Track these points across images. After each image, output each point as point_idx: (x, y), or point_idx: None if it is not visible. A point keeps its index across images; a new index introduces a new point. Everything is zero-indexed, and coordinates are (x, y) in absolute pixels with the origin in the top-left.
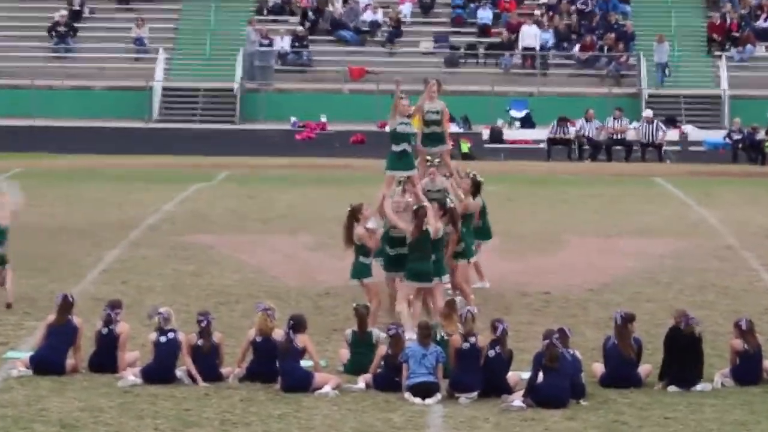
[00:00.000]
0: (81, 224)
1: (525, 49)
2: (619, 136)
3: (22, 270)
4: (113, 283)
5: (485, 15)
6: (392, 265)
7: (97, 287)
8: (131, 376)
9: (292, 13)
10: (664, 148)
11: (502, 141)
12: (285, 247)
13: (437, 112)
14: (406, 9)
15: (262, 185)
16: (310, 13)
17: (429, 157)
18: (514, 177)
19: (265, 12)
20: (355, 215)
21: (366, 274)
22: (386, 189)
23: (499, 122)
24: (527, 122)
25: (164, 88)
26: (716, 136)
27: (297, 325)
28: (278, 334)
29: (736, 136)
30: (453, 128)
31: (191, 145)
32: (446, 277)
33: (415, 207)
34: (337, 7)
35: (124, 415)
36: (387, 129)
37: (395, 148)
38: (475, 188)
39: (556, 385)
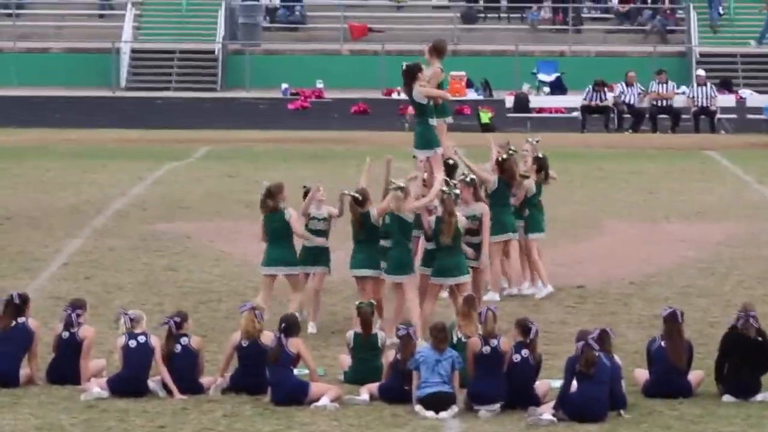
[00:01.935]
0: (33, 210)
1: (555, 0)
2: (665, 103)
3: None
4: (75, 278)
5: None
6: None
7: (56, 284)
8: (96, 388)
9: None
10: (718, 116)
11: (528, 109)
12: None
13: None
14: None
15: (247, 163)
16: None
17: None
18: (543, 151)
19: None
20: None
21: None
22: (440, 169)
23: (525, 87)
24: (558, 87)
25: (133, 51)
26: None
27: (289, 327)
28: (267, 337)
29: None
30: (471, 95)
31: (165, 116)
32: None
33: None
34: None
35: None
36: (424, 101)
37: (432, 122)
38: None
39: (593, 395)
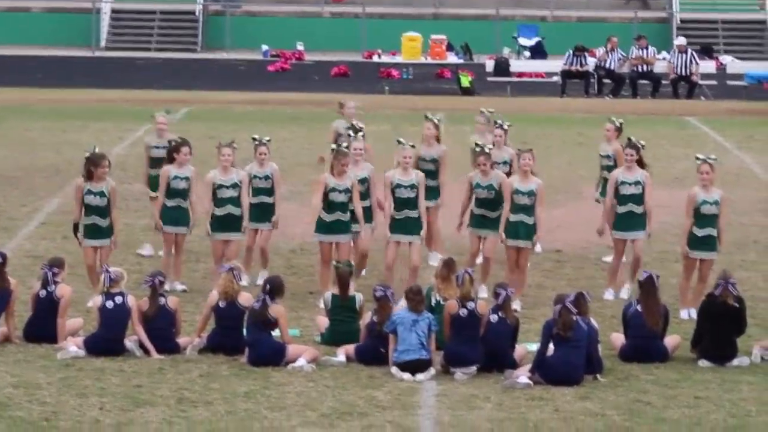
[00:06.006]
0: (12, 170)
1: None
2: (645, 69)
3: None
4: (53, 238)
5: None
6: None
7: (33, 243)
8: (73, 347)
9: None
10: (698, 82)
11: (508, 74)
12: None
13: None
14: None
15: (227, 124)
16: None
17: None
18: (523, 116)
19: None
20: None
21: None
22: None
23: (506, 51)
24: (538, 52)
25: (113, 10)
26: (760, 68)
27: (274, 290)
28: (245, 298)
29: None
30: (452, 58)
31: (145, 76)
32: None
33: None
34: None
35: (64, 392)
36: None
37: None
38: None
39: (569, 359)
